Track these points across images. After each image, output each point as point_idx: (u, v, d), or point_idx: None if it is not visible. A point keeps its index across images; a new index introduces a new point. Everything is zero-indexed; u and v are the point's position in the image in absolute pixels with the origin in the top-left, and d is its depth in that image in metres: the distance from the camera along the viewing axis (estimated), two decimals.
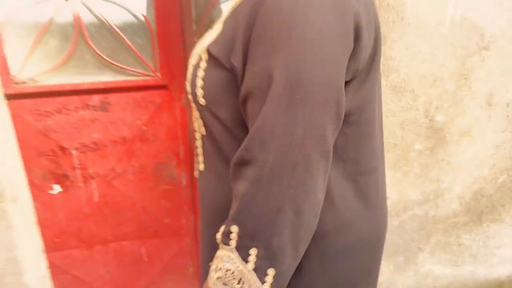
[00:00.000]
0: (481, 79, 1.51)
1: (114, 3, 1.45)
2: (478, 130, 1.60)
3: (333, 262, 0.82)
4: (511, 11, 1.42)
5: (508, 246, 1.88)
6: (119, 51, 1.51)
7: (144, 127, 1.63)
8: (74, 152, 1.60)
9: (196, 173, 0.93)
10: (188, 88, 0.79)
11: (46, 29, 1.43)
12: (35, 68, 1.47)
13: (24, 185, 1.57)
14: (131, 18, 1.49)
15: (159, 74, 1.56)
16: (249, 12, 0.67)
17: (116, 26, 1.47)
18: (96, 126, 1.59)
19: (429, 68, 1.45)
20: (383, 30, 1.36)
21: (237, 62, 0.69)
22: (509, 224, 1.83)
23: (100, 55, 1.49)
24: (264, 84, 0.65)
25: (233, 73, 0.71)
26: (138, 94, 1.57)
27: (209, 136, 0.82)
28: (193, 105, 0.81)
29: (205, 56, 0.75)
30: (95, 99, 1.55)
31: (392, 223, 1.72)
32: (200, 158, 0.88)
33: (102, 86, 1.53)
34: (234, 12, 0.71)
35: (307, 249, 0.74)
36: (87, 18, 1.45)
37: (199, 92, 0.76)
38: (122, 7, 1.46)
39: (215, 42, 0.73)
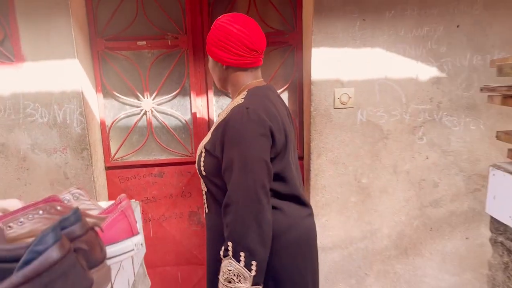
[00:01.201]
0: (386, 156, 2.47)
1: (171, 114, 2.57)
2: (391, 189, 2.51)
3: (285, 251, 1.37)
4: (397, 116, 2.42)
5: (432, 276, 2.65)
6: (171, 142, 2.61)
7: (183, 188, 2.66)
8: (140, 203, 2.63)
9: (204, 215, 1.58)
10: (196, 166, 1.43)
11: (132, 130, 2.56)
12: (124, 152, 2.58)
13: None
14: (179, 123, 2.60)
15: (193, 155, 2.63)
16: (222, 127, 1.31)
17: (170, 127, 2.58)
18: (155, 187, 2.63)
19: (352, 149, 2.44)
20: (320, 128, 2.38)
21: (218, 154, 1.32)
22: (429, 258, 2.63)
23: (161, 144, 2.59)
24: (230, 164, 1.27)
25: (218, 160, 1.32)
26: (181, 167, 2.63)
27: (209, 192, 1.43)
28: (199, 175, 1.45)
29: (203, 150, 1.39)
30: (156, 170, 2.61)
31: (343, 253, 2.57)
32: (205, 205, 1.51)
33: (160, 162, 2.60)
34: (217, 126, 1.36)
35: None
36: (154, 123, 2.58)
37: (202, 168, 1.39)
38: (174, 116, 2.58)
39: (208, 142, 1.37)
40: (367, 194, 2.51)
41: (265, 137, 1.27)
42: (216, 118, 2.60)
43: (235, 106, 1.31)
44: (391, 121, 2.43)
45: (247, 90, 1.40)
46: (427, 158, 2.48)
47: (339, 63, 2.33)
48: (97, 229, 0.68)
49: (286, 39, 2.50)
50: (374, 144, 2.45)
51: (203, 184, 1.45)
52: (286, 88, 2.57)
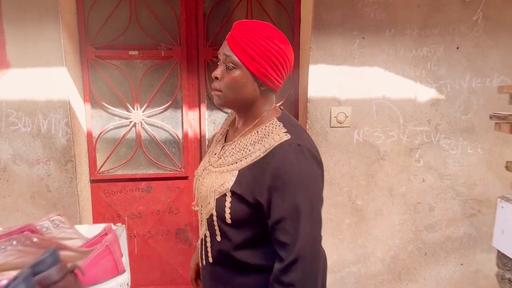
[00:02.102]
0: (382, 178, 2.40)
1: (161, 127, 2.48)
2: (386, 211, 2.44)
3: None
4: (394, 137, 2.36)
5: None
6: (160, 156, 2.51)
7: (171, 204, 2.55)
8: (126, 218, 2.52)
9: (202, 262, 1.27)
10: (214, 212, 1.13)
11: (120, 142, 2.46)
12: (110, 164, 2.47)
13: None
14: (169, 136, 2.51)
15: (183, 170, 2.53)
16: (271, 169, 1.06)
17: (160, 141, 2.49)
18: (142, 202, 2.52)
19: (347, 170, 2.37)
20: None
21: (263, 199, 1.07)
22: (423, 284, 2.55)
23: (149, 158, 2.49)
24: (294, 213, 1.05)
25: (256, 206, 1.09)
26: (170, 182, 2.53)
27: (226, 242, 1.16)
28: (215, 220, 1.14)
29: (228, 193, 1.11)
30: (143, 184, 2.51)
31: (335, 276, 2.49)
32: (209, 255, 1.22)
33: (148, 176, 2.50)
34: (253, 166, 1.10)
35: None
36: (144, 135, 2.48)
37: (228, 216, 1.11)
38: (165, 129, 2.49)
39: (238, 184, 1.10)
40: (361, 216, 2.43)
41: (323, 177, 1.17)
42: (208, 133, 2.52)
43: (282, 143, 1.09)
44: (388, 142, 2.37)
45: (276, 118, 1.18)
46: (423, 181, 2.42)
47: (336, 81, 2.27)
48: (77, 271, 0.59)
49: None
50: (370, 165, 2.38)
51: (217, 230, 1.17)
52: (281, 104, 2.50)
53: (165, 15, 2.36)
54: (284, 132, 1.10)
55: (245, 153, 1.14)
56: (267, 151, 1.09)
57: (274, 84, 1.14)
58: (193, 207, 1.29)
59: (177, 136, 2.49)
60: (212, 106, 2.50)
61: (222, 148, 1.23)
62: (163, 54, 2.38)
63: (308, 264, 1.06)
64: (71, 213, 2.28)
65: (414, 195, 2.44)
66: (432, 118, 2.35)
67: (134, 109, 2.42)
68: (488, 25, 2.26)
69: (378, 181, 2.40)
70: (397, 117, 2.34)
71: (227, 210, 1.11)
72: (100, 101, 2.40)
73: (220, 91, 1.14)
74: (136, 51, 2.35)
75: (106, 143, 2.47)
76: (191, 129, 2.49)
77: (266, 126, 1.15)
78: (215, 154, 1.24)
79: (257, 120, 1.17)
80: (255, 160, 1.10)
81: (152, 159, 2.49)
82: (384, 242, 2.48)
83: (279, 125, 1.14)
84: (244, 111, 1.19)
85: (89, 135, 2.41)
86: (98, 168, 2.46)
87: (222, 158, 1.19)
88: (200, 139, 2.51)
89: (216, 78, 1.14)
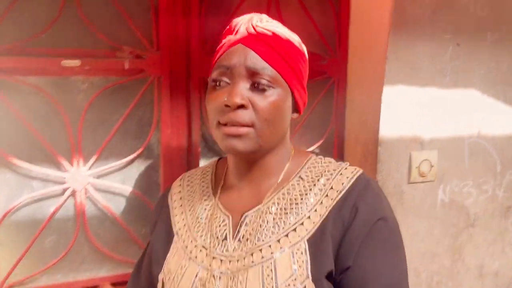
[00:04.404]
0: (471, 252, 1.62)
1: (122, 194, 1.41)
2: None
3: None
4: (488, 192, 1.60)
5: None
6: (122, 243, 1.43)
7: None
8: None
9: None
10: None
11: (44, 227, 1.33)
12: (26, 270, 1.33)
13: None
14: (139, 207, 1.45)
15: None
16: (359, 220, 0.79)
17: (121, 218, 1.41)
18: None
19: (427, 246, 1.54)
20: None
21: (350, 261, 0.78)
22: None
23: (100, 249, 1.40)
24: (396, 281, 0.79)
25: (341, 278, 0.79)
26: None
27: None
28: None
29: (311, 285, 0.75)
30: None
31: None
32: None
33: (99, 282, 1.40)
34: (321, 229, 0.79)
35: None
36: (91, 211, 1.38)
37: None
38: (127, 196, 1.43)
39: (319, 263, 0.77)
40: None
41: None
42: None
43: (360, 178, 0.84)
44: (481, 199, 1.60)
45: (312, 154, 0.92)
46: None
47: (419, 111, 1.44)
48: None
49: (323, 67, 1.54)
50: (457, 236, 1.59)
51: None
52: (320, 145, 1.59)
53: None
54: (350, 165, 0.87)
55: (300, 211, 0.81)
56: (338, 197, 0.81)
57: (304, 106, 0.89)
58: None
59: (151, 207, 1.44)
60: (211, 152, 1.50)
61: (241, 223, 0.84)
62: (127, 66, 1.32)
63: None
64: None
65: (509, 272, 1.70)
66: None
67: (72, 166, 1.32)
68: None
69: (466, 258, 1.62)
70: (494, 163, 1.59)
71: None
72: (4, 155, 1.25)
73: (252, 126, 0.78)
74: (76, 60, 1.26)
75: (17, 230, 1.32)
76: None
77: (312, 167, 0.88)
78: (221, 238, 0.84)
79: (287, 165, 0.88)
80: (324, 216, 0.80)
81: (107, 251, 1.41)
82: None
83: (329, 161, 0.90)
84: (264, 160, 0.86)
85: None
86: (1, 279, 1.29)
87: (252, 236, 0.81)
88: None
89: (241, 106, 0.76)
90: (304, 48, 0.87)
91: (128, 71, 1.33)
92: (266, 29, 0.80)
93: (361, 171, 0.86)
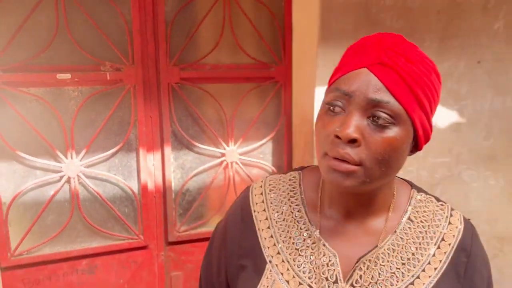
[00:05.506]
0: None
1: (108, 180, 1.75)
2: None
3: None
4: (413, 173, 1.91)
5: None
6: (108, 220, 1.77)
7: (126, 286, 1.81)
8: None
9: None
10: None
11: (46, 207, 1.67)
12: (32, 241, 1.66)
13: None
14: (120, 192, 1.78)
15: (141, 237, 1.81)
16: (478, 273, 0.77)
17: (107, 199, 1.75)
18: None
19: None
20: None
21: None
22: None
23: (91, 225, 1.73)
24: None
25: None
26: (123, 255, 1.79)
27: None
28: None
29: None
30: (84, 263, 1.74)
31: None
32: None
33: (91, 252, 1.74)
34: (440, 281, 0.75)
35: None
36: (83, 194, 1.72)
37: None
38: (113, 183, 1.76)
39: None
40: None
41: None
42: (175, 182, 1.84)
43: (466, 226, 0.79)
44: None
45: (410, 187, 0.83)
46: None
47: None
48: None
49: (271, 74, 1.87)
50: None
51: None
52: (271, 138, 1.92)
53: (110, 22, 1.66)
54: (452, 210, 0.81)
55: (416, 263, 0.75)
56: (454, 249, 0.76)
57: (428, 141, 0.74)
58: None
59: (132, 191, 1.77)
60: (179, 145, 1.83)
61: (357, 267, 0.74)
62: (108, 77, 1.66)
63: None
64: None
65: None
66: (453, 147, 1.96)
67: (66, 158, 1.66)
68: (510, 35, 1.93)
69: None
70: None
71: None
72: (12, 149, 1.59)
73: (360, 164, 0.66)
74: (68, 74, 1.61)
75: (24, 210, 1.66)
76: (151, 179, 1.79)
77: (419, 207, 0.79)
78: (332, 280, 0.74)
79: (391, 202, 0.78)
80: (443, 269, 0.75)
81: (96, 226, 1.74)
82: None
83: (430, 200, 0.82)
84: (372, 194, 0.75)
85: None
86: (12, 249, 1.64)
87: (368, 284, 0.73)
88: (165, 191, 1.82)
89: (354, 140, 0.65)
90: (438, 78, 0.72)
91: (110, 81, 1.68)
92: (396, 53, 0.67)
93: (463, 216, 0.81)
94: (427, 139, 0.73)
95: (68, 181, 1.69)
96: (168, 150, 1.79)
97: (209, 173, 1.89)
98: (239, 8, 1.80)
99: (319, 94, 1.71)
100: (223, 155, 1.87)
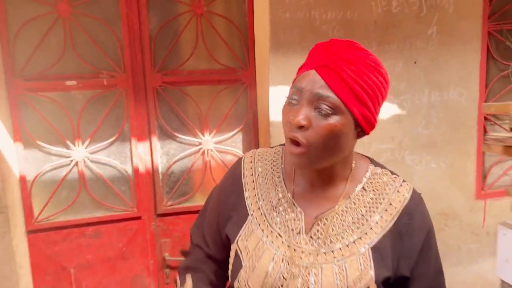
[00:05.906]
0: None
1: (108, 164, 2.21)
2: None
3: None
4: None
5: None
6: (109, 196, 2.23)
7: (124, 249, 2.28)
8: (72, 270, 2.20)
9: None
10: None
11: (60, 185, 2.15)
12: (50, 211, 2.15)
13: None
14: (117, 173, 2.24)
15: (135, 209, 2.27)
16: (416, 235, 0.91)
17: (108, 179, 2.21)
18: (90, 250, 2.22)
19: None
20: None
21: (408, 272, 0.91)
22: None
23: (95, 199, 2.20)
24: (439, 277, 0.99)
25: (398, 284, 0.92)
26: (121, 224, 2.25)
27: None
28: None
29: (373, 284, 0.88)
30: (90, 230, 2.21)
31: None
32: None
33: (95, 220, 2.21)
34: (383, 239, 0.89)
35: None
36: (88, 175, 2.19)
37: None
38: (112, 166, 2.22)
39: (382, 268, 0.89)
40: None
41: None
42: (161, 166, 2.28)
43: (413, 196, 0.93)
44: None
45: (370, 163, 0.98)
46: None
47: None
48: None
49: (238, 77, 2.28)
50: None
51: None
52: (241, 129, 2.33)
53: (105, 39, 2.12)
54: (403, 181, 0.95)
55: (365, 222, 0.90)
56: (399, 212, 0.90)
57: (373, 128, 0.89)
58: None
59: (127, 172, 2.23)
60: (164, 136, 2.28)
61: (315, 222, 0.92)
62: (105, 83, 2.12)
63: None
64: (7, 273, 1.94)
65: None
66: (395, 135, 2.30)
67: (75, 146, 2.14)
68: (443, 39, 2.25)
69: None
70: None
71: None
72: (34, 139, 2.08)
73: (309, 146, 0.82)
74: (74, 81, 2.08)
75: (43, 187, 2.15)
76: (142, 163, 2.24)
77: (373, 178, 0.94)
78: (296, 232, 0.92)
79: (349, 175, 0.94)
80: (387, 228, 0.90)
81: (99, 200, 2.21)
82: None
83: (385, 173, 0.96)
84: (331, 169, 0.91)
85: (23, 179, 2.09)
86: (35, 216, 2.13)
87: (323, 236, 0.90)
88: (153, 173, 2.27)
89: (302, 126, 0.81)
90: (381, 72, 0.85)
91: (106, 86, 2.14)
92: (338, 56, 0.81)
93: (412, 188, 0.95)
94: (371, 126, 0.86)
95: (76, 164, 2.16)
96: (155, 140, 2.24)
97: (190, 158, 2.32)
98: (210, 24, 2.22)
99: (272, 93, 2.10)
100: (200, 143, 2.30)
